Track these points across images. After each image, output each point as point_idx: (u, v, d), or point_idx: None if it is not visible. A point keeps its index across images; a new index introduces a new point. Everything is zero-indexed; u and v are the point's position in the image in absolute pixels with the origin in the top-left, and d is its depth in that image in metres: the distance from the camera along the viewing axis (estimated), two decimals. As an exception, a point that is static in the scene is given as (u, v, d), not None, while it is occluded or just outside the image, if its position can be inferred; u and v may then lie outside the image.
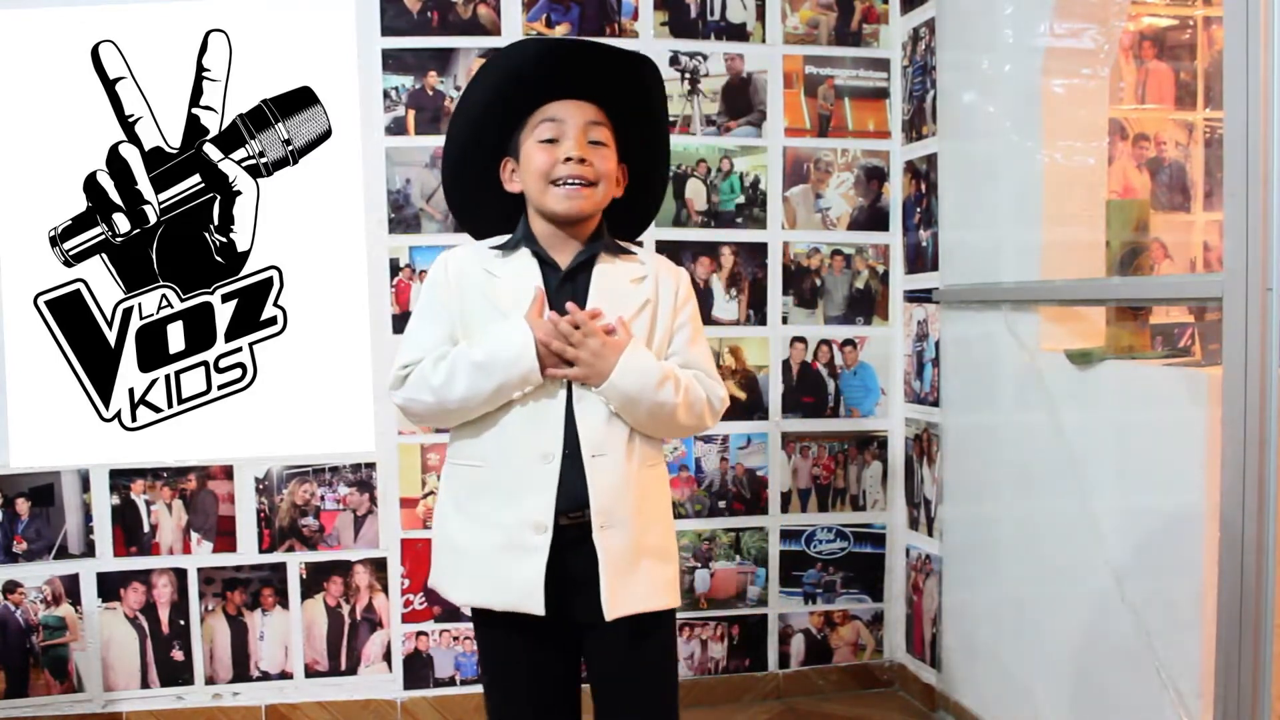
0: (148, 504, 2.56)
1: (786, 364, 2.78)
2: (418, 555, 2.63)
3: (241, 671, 2.61)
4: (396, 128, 2.58)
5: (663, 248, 2.63)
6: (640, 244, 1.68)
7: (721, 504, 2.76)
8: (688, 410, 1.53)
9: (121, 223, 2.45)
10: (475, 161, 1.59)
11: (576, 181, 1.49)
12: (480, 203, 1.63)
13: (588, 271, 1.53)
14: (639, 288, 1.55)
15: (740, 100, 2.72)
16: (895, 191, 2.80)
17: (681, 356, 1.57)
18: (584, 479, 1.46)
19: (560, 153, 1.49)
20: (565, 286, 1.52)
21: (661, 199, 1.72)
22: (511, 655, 1.55)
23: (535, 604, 1.45)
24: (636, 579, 1.49)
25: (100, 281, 2.49)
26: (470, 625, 2.64)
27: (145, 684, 2.58)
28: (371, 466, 2.62)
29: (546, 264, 1.54)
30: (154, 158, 2.46)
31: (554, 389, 1.48)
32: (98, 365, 2.50)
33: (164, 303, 2.49)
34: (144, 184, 2.45)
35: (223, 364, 2.52)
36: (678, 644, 1.67)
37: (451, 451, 1.58)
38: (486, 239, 1.61)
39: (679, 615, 1.72)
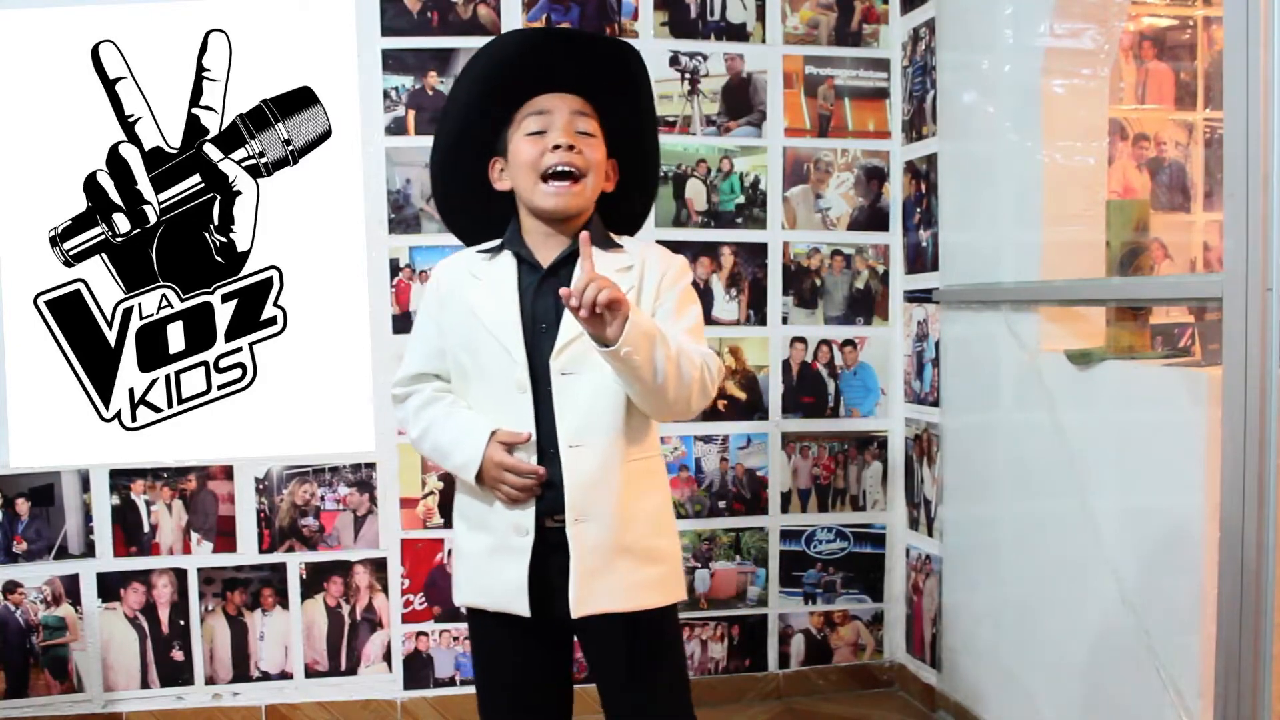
0: (148, 504, 2.56)
1: (786, 364, 2.78)
2: (418, 555, 2.63)
3: (241, 671, 2.61)
4: (396, 128, 2.58)
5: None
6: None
7: (721, 504, 2.76)
8: (699, 370, 1.45)
9: (121, 223, 2.45)
10: (463, 162, 1.58)
11: (567, 169, 1.47)
12: (470, 206, 1.62)
13: (570, 267, 1.50)
14: (623, 278, 1.49)
15: (740, 100, 2.72)
16: (895, 191, 2.80)
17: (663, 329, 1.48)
18: (558, 473, 1.46)
19: (548, 141, 1.48)
20: (547, 284, 1.51)
21: (654, 193, 1.70)
22: (500, 653, 1.56)
23: (520, 605, 1.47)
24: (611, 577, 1.47)
25: (100, 281, 2.49)
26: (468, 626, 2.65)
27: (145, 684, 2.58)
28: (371, 466, 2.62)
29: (527, 264, 1.53)
30: (154, 158, 2.46)
31: (523, 391, 1.47)
32: (98, 365, 2.50)
33: (164, 303, 2.49)
34: (144, 184, 2.45)
35: (223, 364, 2.52)
36: (679, 643, 1.64)
37: None
38: (479, 244, 1.60)
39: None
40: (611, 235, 1.59)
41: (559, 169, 1.47)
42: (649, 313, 1.50)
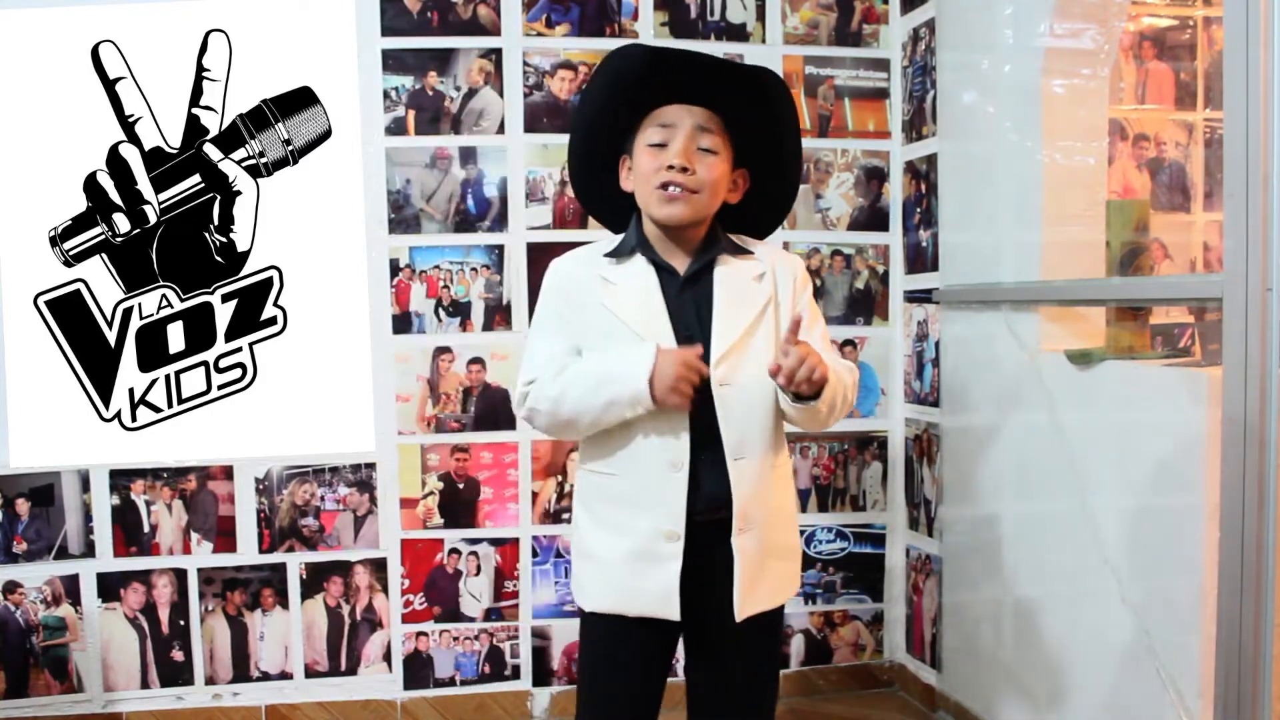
0: (148, 504, 2.56)
1: (786, 364, 2.78)
2: (417, 555, 2.63)
3: (241, 672, 2.61)
4: (396, 128, 2.58)
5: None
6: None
7: (721, 504, 2.76)
8: (850, 391, 1.52)
9: (121, 223, 2.45)
10: (595, 161, 1.59)
11: (677, 187, 1.47)
12: (607, 197, 1.62)
13: (709, 275, 1.52)
14: (760, 286, 1.53)
15: (740, 100, 2.72)
16: (895, 191, 2.80)
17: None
18: (719, 482, 1.47)
19: (664, 159, 1.48)
20: (686, 292, 1.51)
21: (786, 210, 1.70)
22: (629, 657, 1.54)
23: (671, 610, 1.47)
24: (764, 579, 1.52)
25: (100, 281, 2.49)
26: (470, 626, 2.65)
27: (145, 684, 2.58)
28: (371, 466, 2.62)
29: (664, 270, 1.53)
30: (154, 158, 2.46)
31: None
32: (98, 365, 2.50)
33: (164, 303, 2.49)
34: (144, 184, 2.45)
35: (223, 364, 2.52)
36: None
37: (584, 457, 1.59)
38: (597, 245, 1.60)
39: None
40: (735, 239, 1.58)
41: (671, 186, 1.48)
42: (785, 322, 1.52)
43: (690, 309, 1.51)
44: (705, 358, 1.47)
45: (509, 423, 2.62)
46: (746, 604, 1.49)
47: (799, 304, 1.56)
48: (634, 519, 1.49)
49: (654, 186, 1.49)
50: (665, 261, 1.53)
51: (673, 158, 1.47)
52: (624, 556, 1.49)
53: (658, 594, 1.47)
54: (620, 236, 1.59)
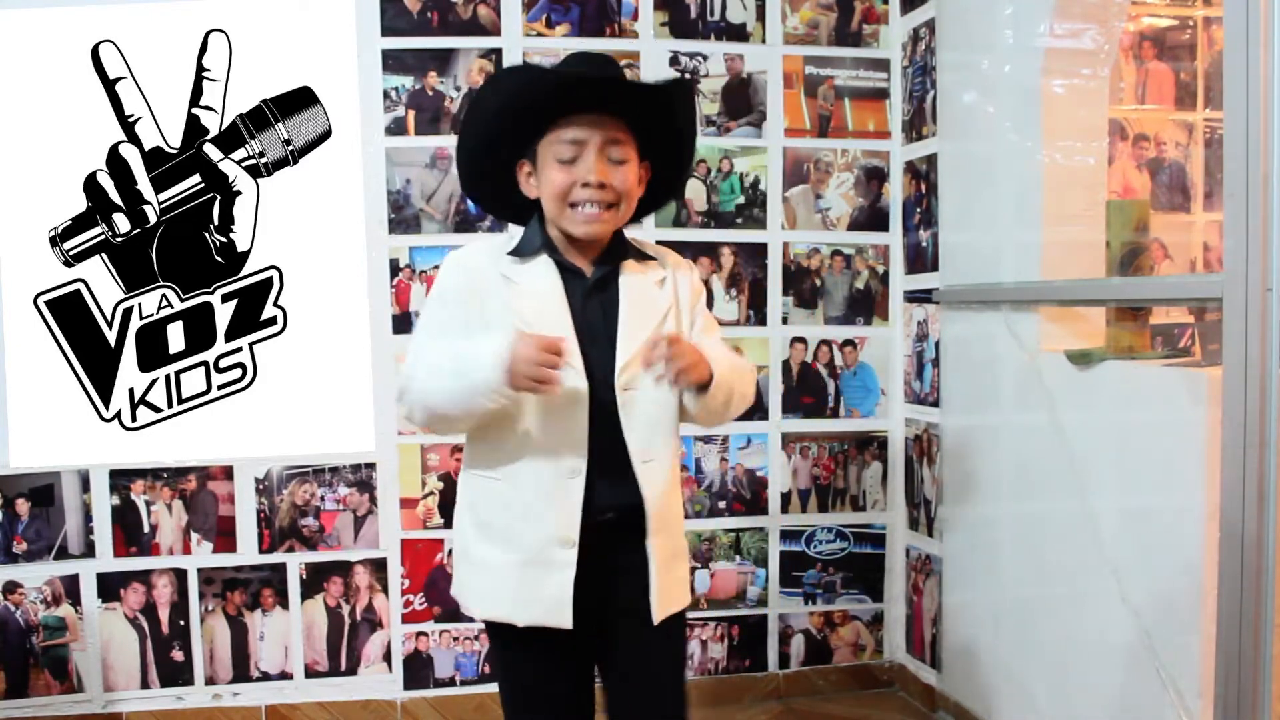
0: (148, 504, 2.56)
1: (786, 364, 2.78)
2: (417, 555, 2.63)
3: (241, 672, 2.61)
4: (396, 128, 2.58)
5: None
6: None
7: (721, 504, 2.76)
8: (748, 382, 1.56)
9: (121, 223, 2.45)
10: (487, 170, 1.54)
11: (596, 205, 1.44)
12: (499, 198, 1.58)
13: (614, 281, 1.50)
14: (662, 292, 1.53)
15: (740, 101, 2.72)
16: (895, 192, 2.80)
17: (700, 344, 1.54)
18: (615, 486, 1.45)
19: (579, 175, 1.43)
20: (594, 297, 1.49)
21: (680, 194, 1.71)
22: (530, 666, 1.52)
23: (563, 619, 1.44)
24: (674, 580, 1.53)
25: (100, 281, 2.49)
26: (470, 626, 2.65)
27: (145, 684, 2.58)
28: (371, 467, 2.62)
29: (568, 271, 1.49)
30: (154, 158, 2.46)
31: (579, 402, 1.43)
32: (98, 365, 2.50)
33: (164, 303, 2.49)
34: (144, 184, 2.45)
35: (223, 364, 2.52)
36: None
37: (469, 459, 1.54)
38: (498, 240, 1.56)
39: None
40: (636, 244, 1.56)
41: (589, 205, 1.44)
42: (686, 327, 1.55)
43: (597, 315, 1.48)
44: (611, 365, 1.45)
45: (509, 423, 2.62)
46: (662, 604, 1.48)
47: (695, 311, 1.58)
48: (526, 527, 1.45)
49: (568, 204, 1.45)
50: (570, 263, 1.50)
51: (587, 175, 1.43)
52: (516, 565, 1.45)
53: (550, 602, 1.43)
54: (521, 232, 1.54)
